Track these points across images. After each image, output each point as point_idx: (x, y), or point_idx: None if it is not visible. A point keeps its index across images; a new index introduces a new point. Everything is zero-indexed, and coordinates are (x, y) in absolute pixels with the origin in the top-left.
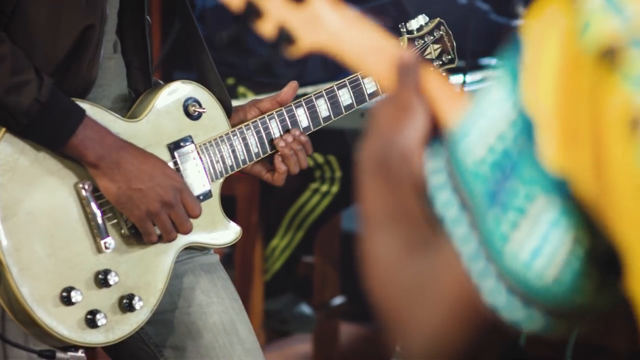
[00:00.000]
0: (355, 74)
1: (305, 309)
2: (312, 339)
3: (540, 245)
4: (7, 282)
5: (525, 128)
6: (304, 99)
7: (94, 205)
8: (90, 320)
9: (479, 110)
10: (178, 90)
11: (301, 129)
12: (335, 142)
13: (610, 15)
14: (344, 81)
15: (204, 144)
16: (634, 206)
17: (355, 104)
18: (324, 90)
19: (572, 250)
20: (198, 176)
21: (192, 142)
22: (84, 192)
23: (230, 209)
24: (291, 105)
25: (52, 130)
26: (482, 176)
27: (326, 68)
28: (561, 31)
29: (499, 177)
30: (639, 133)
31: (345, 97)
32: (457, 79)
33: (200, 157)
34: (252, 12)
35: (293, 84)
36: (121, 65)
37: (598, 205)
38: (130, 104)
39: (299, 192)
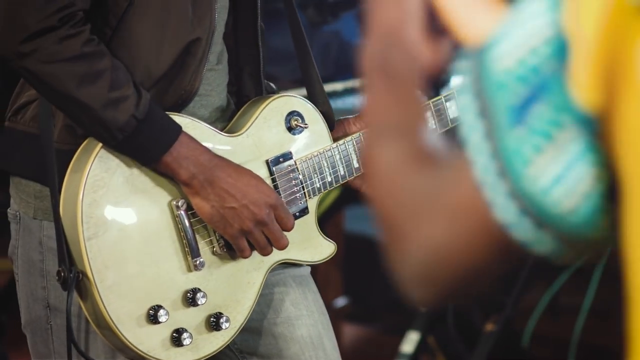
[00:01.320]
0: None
1: None
2: None
3: (563, 174)
4: (94, 300)
5: (561, 50)
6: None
7: (187, 224)
8: (176, 339)
9: (516, 19)
10: (281, 104)
11: None
12: None
13: None
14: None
15: (304, 160)
16: None
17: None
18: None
19: (593, 185)
20: (295, 192)
21: (292, 157)
22: (177, 210)
23: None
24: None
25: (147, 147)
26: (508, 87)
27: (325, 66)
28: None
29: (525, 93)
30: None
31: (452, 109)
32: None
33: (299, 173)
34: None
35: None
36: (223, 76)
37: (615, 150)
38: (229, 114)
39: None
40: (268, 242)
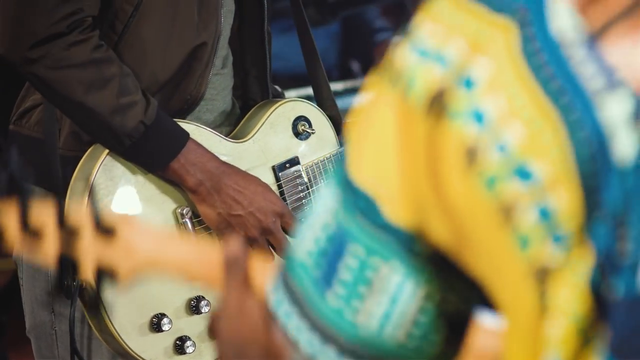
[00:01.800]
0: None
1: None
2: None
3: (390, 310)
4: (97, 309)
5: (359, 203)
6: None
7: (191, 231)
8: (179, 347)
9: (311, 215)
10: (288, 109)
11: None
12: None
13: (429, 64)
14: None
15: (310, 165)
16: (488, 236)
17: None
18: None
19: (421, 307)
20: (301, 198)
21: (298, 163)
22: (182, 218)
23: None
24: None
25: (154, 153)
26: (309, 264)
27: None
28: (389, 103)
29: (326, 261)
30: (477, 160)
31: None
32: None
33: (305, 179)
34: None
35: None
36: (228, 79)
37: (456, 247)
38: (235, 118)
39: None
40: (273, 250)
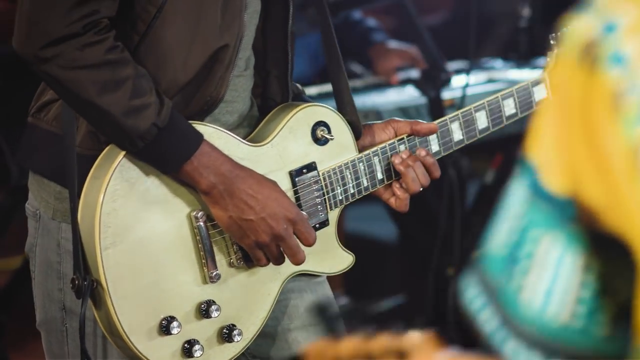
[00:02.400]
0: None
1: None
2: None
3: (552, 287)
4: (107, 310)
5: (527, 176)
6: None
7: (205, 235)
8: (187, 350)
9: (501, 216)
10: (308, 115)
11: (432, 150)
12: None
13: (582, 17)
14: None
15: (328, 171)
16: (635, 187)
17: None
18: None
19: (583, 282)
20: (317, 204)
21: (316, 169)
22: (196, 222)
23: None
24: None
25: (168, 155)
26: (499, 257)
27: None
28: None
29: (509, 248)
30: (621, 104)
31: (509, 107)
32: (460, 79)
33: (321, 185)
34: None
35: (434, 127)
36: (249, 81)
37: (607, 208)
38: (254, 121)
39: None
40: (283, 256)
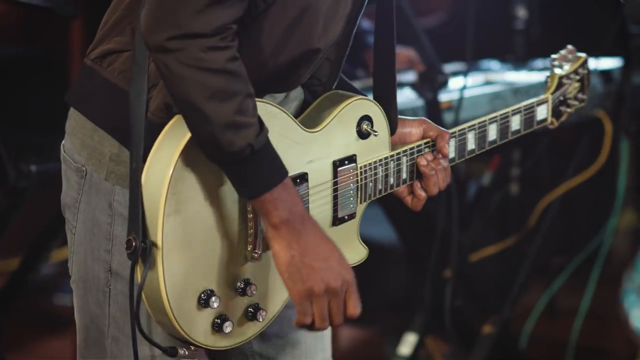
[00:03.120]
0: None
1: None
2: None
3: None
4: (156, 275)
5: None
6: (467, 128)
7: (256, 215)
8: (218, 325)
9: None
10: (357, 107)
11: (466, 152)
12: None
13: None
14: (519, 107)
15: (364, 165)
16: None
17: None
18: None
19: None
20: (350, 196)
21: (355, 161)
22: (250, 214)
23: None
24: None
25: (252, 178)
26: None
27: None
28: None
29: None
30: None
31: (515, 123)
32: (457, 81)
33: (358, 178)
34: None
35: (445, 152)
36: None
37: None
38: (299, 101)
39: None
40: (327, 317)
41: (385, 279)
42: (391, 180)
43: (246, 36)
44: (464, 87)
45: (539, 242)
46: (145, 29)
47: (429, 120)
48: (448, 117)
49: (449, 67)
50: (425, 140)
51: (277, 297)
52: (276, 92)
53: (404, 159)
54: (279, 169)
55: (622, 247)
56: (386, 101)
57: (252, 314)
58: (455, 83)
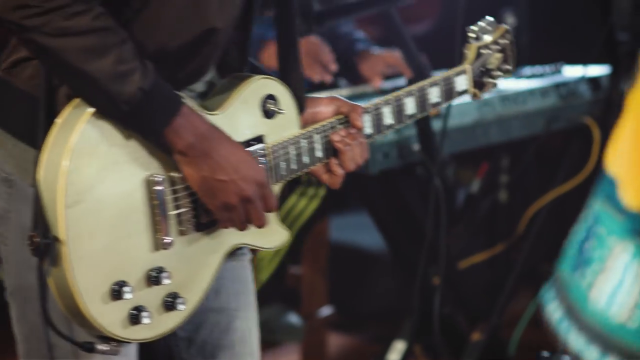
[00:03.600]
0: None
1: (294, 319)
2: (300, 349)
3: (616, 289)
4: (64, 270)
5: (606, 188)
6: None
7: (162, 201)
8: (135, 317)
9: (582, 218)
10: (260, 86)
11: (365, 132)
12: None
13: None
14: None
15: (274, 145)
16: None
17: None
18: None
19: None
20: None
21: (263, 141)
22: (155, 186)
23: None
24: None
25: (152, 118)
26: (574, 255)
27: None
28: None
29: (580, 248)
30: None
31: (434, 95)
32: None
33: (267, 158)
34: None
35: (359, 125)
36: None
37: None
38: (207, 87)
39: (285, 197)
40: (247, 219)
41: (374, 286)
42: (305, 159)
43: (143, 17)
44: None
45: (527, 249)
46: (2, 13)
47: (341, 97)
48: (436, 124)
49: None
50: (337, 117)
51: (196, 285)
52: (189, 79)
53: (317, 137)
54: (174, 100)
55: None
56: (291, 80)
57: (170, 303)
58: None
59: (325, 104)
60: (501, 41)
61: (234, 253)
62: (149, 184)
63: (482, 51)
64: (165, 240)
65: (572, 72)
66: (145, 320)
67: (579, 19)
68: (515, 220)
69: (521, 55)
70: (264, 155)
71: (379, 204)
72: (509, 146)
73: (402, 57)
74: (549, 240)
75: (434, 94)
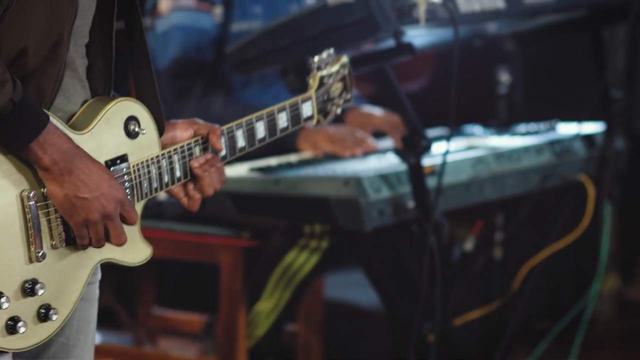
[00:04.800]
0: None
1: None
2: None
3: None
4: None
5: None
6: (233, 126)
7: (35, 215)
8: (11, 327)
9: None
10: (122, 108)
11: (220, 155)
12: (320, 210)
13: None
14: (285, 105)
15: (136, 164)
16: None
17: (290, 127)
18: (264, 113)
19: None
20: (127, 195)
21: (127, 161)
22: (28, 201)
23: (214, 277)
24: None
25: (18, 131)
26: None
27: None
28: None
29: None
30: None
31: (282, 120)
32: (441, 146)
33: (131, 177)
34: None
35: (217, 146)
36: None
37: None
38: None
39: (285, 251)
40: (106, 237)
41: (369, 343)
42: (166, 178)
43: (5, 29)
44: (447, 152)
45: (522, 306)
46: None
47: (200, 120)
48: (431, 181)
49: (432, 132)
50: (195, 138)
51: (68, 297)
52: (49, 89)
53: (176, 157)
54: (41, 116)
55: (605, 311)
56: (149, 102)
57: (44, 314)
58: (438, 147)
59: (183, 128)
60: (342, 71)
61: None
62: (23, 199)
63: (325, 80)
64: (38, 253)
65: (566, 129)
66: (22, 330)
67: (573, 76)
68: (510, 277)
69: (515, 113)
70: (127, 174)
71: (373, 261)
72: (504, 203)
73: (395, 118)
74: (544, 297)
75: (282, 119)
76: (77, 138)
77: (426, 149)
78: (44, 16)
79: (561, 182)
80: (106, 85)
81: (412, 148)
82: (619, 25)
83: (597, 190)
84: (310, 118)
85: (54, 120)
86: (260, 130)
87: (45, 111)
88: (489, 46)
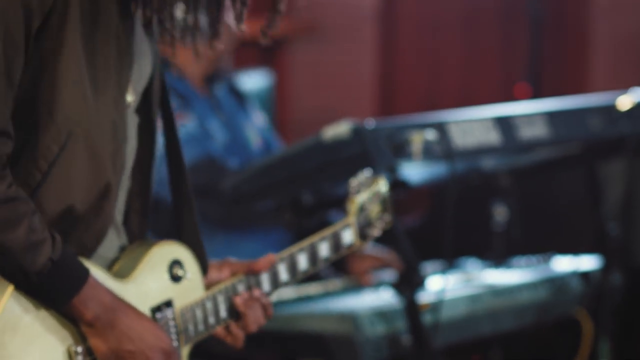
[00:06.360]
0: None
1: None
2: None
3: None
4: None
5: None
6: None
7: None
8: None
9: None
10: (165, 252)
11: (263, 290)
12: (316, 346)
13: None
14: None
15: (182, 309)
16: None
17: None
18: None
19: None
20: (173, 340)
21: (172, 306)
22: (76, 356)
23: None
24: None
25: (58, 289)
26: None
27: None
28: None
29: None
30: None
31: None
32: (436, 281)
33: (177, 322)
34: None
35: (271, 257)
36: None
37: None
38: (119, 252)
39: None
40: None
41: None
42: (211, 320)
43: (50, 183)
44: (443, 290)
45: None
46: None
47: (232, 259)
48: (427, 318)
49: (428, 266)
50: (238, 277)
51: None
52: (95, 242)
53: (220, 298)
54: (81, 271)
55: None
56: (192, 243)
57: None
58: (434, 282)
59: (218, 268)
60: (380, 194)
61: None
62: (71, 354)
63: (364, 205)
64: None
65: (562, 262)
66: None
67: (569, 211)
68: None
69: (511, 246)
70: (173, 319)
71: None
72: (500, 339)
73: (393, 256)
74: None
75: (324, 249)
76: (120, 287)
77: (420, 284)
78: (88, 169)
79: (558, 317)
80: (142, 226)
81: (407, 283)
82: (615, 160)
83: (594, 326)
84: (351, 245)
85: (94, 271)
86: (303, 262)
87: (85, 264)
88: (485, 181)
